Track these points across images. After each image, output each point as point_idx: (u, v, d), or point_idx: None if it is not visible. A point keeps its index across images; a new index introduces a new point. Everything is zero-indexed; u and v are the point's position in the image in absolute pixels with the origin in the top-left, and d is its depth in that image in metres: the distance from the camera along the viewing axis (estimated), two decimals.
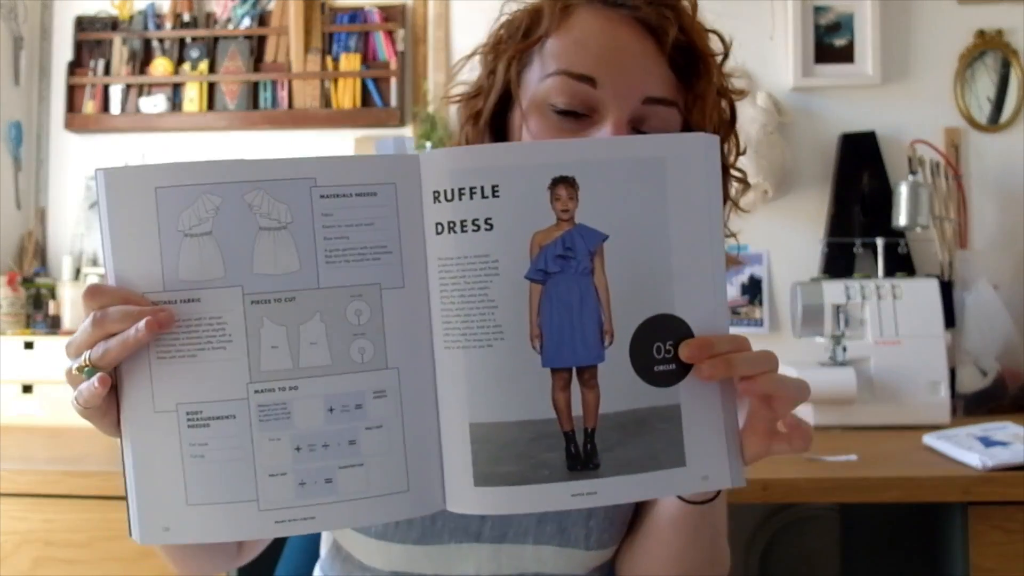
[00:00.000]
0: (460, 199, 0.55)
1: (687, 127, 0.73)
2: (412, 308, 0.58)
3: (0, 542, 1.36)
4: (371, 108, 2.10)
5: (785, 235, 2.01)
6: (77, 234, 2.18)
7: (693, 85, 0.71)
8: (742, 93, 0.81)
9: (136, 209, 0.54)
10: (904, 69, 2.01)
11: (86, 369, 0.54)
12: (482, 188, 0.55)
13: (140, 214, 0.54)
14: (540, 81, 0.72)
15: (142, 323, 0.52)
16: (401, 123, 2.11)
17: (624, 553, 0.82)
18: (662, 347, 0.57)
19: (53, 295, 2.07)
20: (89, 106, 2.16)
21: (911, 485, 1.24)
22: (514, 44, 0.74)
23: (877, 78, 1.98)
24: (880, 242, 1.86)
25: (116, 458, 0.58)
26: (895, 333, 1.64)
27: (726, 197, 0.79)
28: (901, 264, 1.88)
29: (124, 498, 0.58)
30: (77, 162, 2.20)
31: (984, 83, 2.00)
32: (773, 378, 0.57)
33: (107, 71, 2.17)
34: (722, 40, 0.76)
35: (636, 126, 0.70)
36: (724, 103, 0.78)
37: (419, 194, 0.57)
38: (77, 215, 2.18)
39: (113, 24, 2.19)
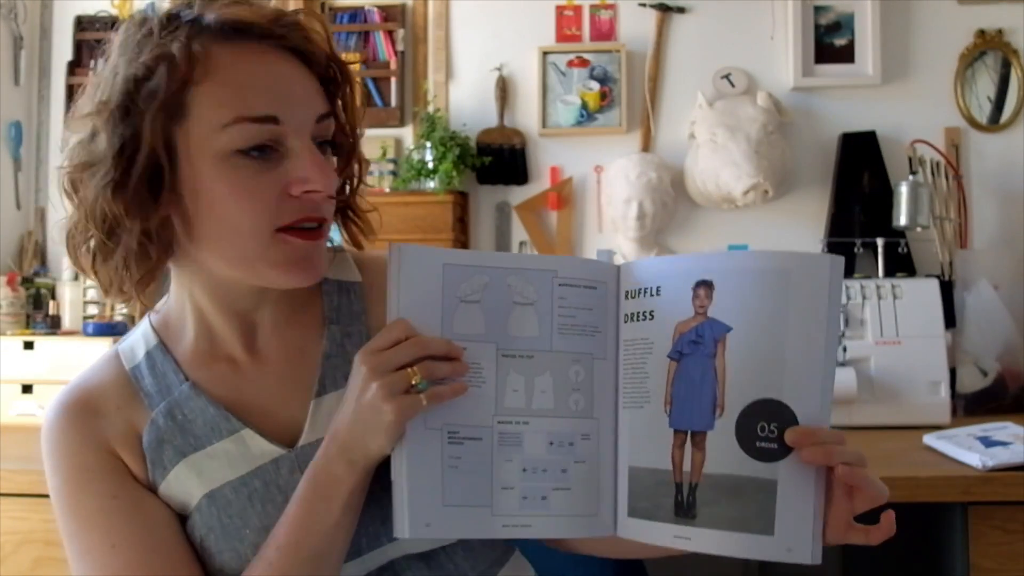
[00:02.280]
0: (639, 297, 0.73)
1: (340, 128, 0.77)
2: (608, 375, 0.75)
3: (0, 542, 1.36)
4: (371, 108, 2.10)
5: (785, 235, 2.01)
6: None
7: (337, 90, 0.77)
8: (351, 62, 0.85)
9: (427, 278, 0.71)
10: (904, 69, 2.01)
11: (422, 383, 0.67)
12: (651, 289, 0.72)
13: (430, 282, 0.71)
14: (214, 133, 0.68)
15: (461, 383, 0.70)
16: (401, 123, 2.11)
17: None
18: (766, 427, 0.67)
19: (53, 295, 2.07)
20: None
21: (911, 485, 1.23)
22: (156, 102, 0.67)
23: (877, 78, 1.98)
24: (880, 242, 1.86)
25: None
26: (895, 333, 1.64)
27: (361, 178, 0.83)
28: (901, 264, 1.88)
29: None
30: None
31: (984, 83, 2.00)
32: (862, 473, 0.66)
33: None
34: (319, 18, 0.78)
35: (316, 143, 0.73)
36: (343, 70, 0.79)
37: (617, 292, 0.75)
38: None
39: (113, 24, 2.17)
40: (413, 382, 0.67)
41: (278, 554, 0.71)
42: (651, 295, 0.72)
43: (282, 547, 0.71)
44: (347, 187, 0.82)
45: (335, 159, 0.78)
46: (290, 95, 0.71)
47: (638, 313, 0.73)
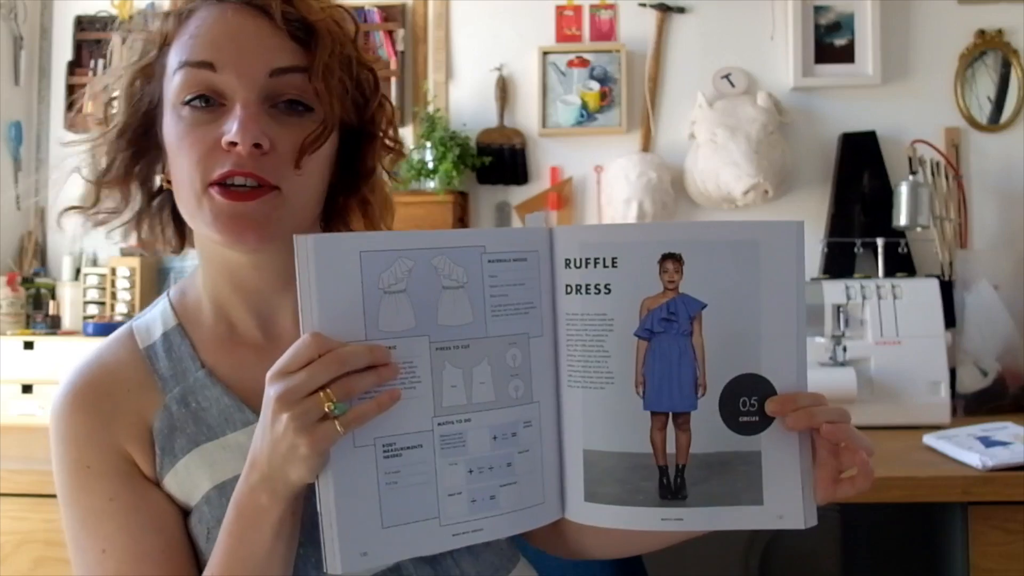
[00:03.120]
0: (586, 267, 0.67)
1: (331, 92, 0.74)
2: (547, 353, 0.70)
3: (0, 542, 1.36)
4: None
5: None
6: (77, 234, 2.18)
7: (315, 55, 0.73)
8: (377, 61, 0.84)
9: (343, 270, 0.62)
10: (904, 69, 2.01)
11: (336, 407, 0.60)
12: (604, 259, 0.67)
13: (346, 274, 0.62)
14: (169, 83, 0.72)
15: (388, 393, 0.62)
16: (401, 123, 2.11)
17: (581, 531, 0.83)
18: (747, 401, 0.66)
19: (53, 295, 2.07)
20: (89, 106, 2.16)
21: (911, 485, 1.24)
22: (139, 64, 0.75)
23: (877, 78, 1.98)
24: (880, 242, 1.86)
25: None
26: (895, 333, 1.64)
27: (376, 167, 0.83)
28: (901, 264, 1.88)
29: None
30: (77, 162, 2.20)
31: (984, 83, 2.00)
32: (846, 429, 0.65)
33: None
34: (352, 17, 0.79)
35: (273, 102, 0.72)
36: (366, 73, 0.79)
37: (551, 260, 0.69)
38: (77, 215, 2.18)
39: (113, 23, 2.19)
40: (327, 409, 0.60)
41: None
42: (605, 266, 0.67)
43: None
44: (359, 173, 0.81)
45: (313, 120, 0.73)
46: (236, 46, 0.71)
47: (587, 286, 0.67)
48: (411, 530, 0.65)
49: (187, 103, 0.71)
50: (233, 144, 0.68)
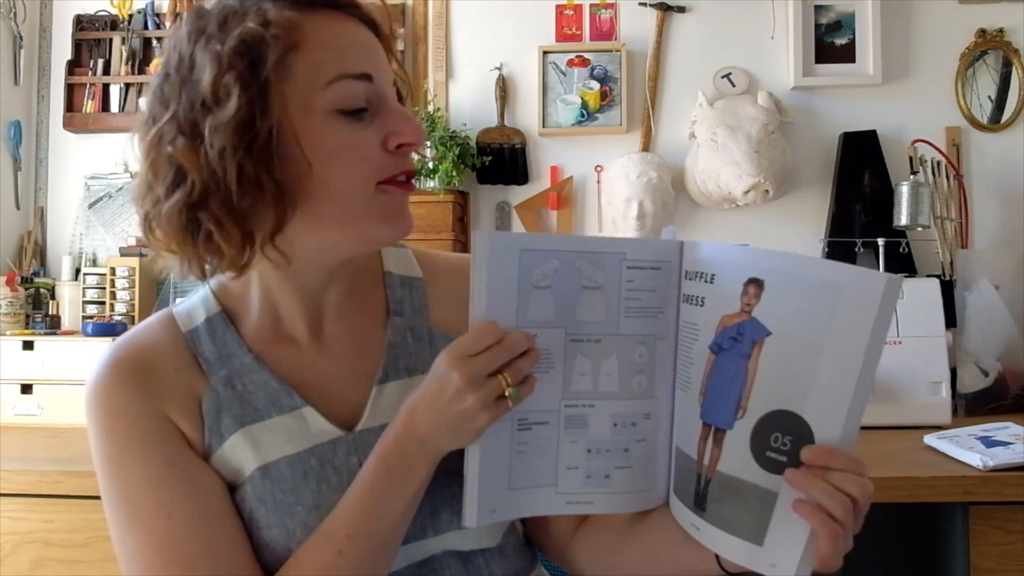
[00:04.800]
0: (695, 280, 0.72)
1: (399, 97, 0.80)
2: (668, 354, 0.75)
3: (0, 542, 1.35)
4: None
5: (786, 234, 2.01)
6: (76, 234, 2.18)
7: (394, 57, 0.79)
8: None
9: (506, 263, 0.69)
10: (905, 68, 2.01)
11: (514, 391, 0.67)
12: (706, 275, 0.71)
13: (508, 267, 0.69)
14: (316, 93, 0.70)
15: (531, 376, 0.69)
16: None
17: (601, 549, 0.85)
18: (780, 438, 0.65)
19: (52, 295, 2.07)
20: (88, 106, 2.16)
21: (912, 485, 1.23)
22: (264, 70, 0.69)
23: (878, 77, 1.98)
24: (881, 242, 1.86)
25: None
26: (896, 333, 1.64)
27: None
28: (902, 264, 1.88)
29: None
30: (76, 162, 2.20)
31: (985, 82, 2.00)
32: (855, 515, 0.62)
33: (106, 70, 2.17)
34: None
35: None
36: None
37: (679, 270, 0.74)
38: (76, 215, 2.18)
39: (112, 23, 2.19)
40: (507, 394, 0.67)
41: (348, 542, 0.70)
42: (706, 281, 0.71)
43: (353, 535, 0.71)
44: None
45: None
46: (376, 58, 0.75)
47: (693, 296, 0.73)
48: (532, 494, 0.73)
49: (343, 113, 0.72)
50: (404, 145, 0.74)
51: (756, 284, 0.67)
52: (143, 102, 0.76)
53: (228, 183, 0.68)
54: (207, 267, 0.74)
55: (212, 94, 0.68)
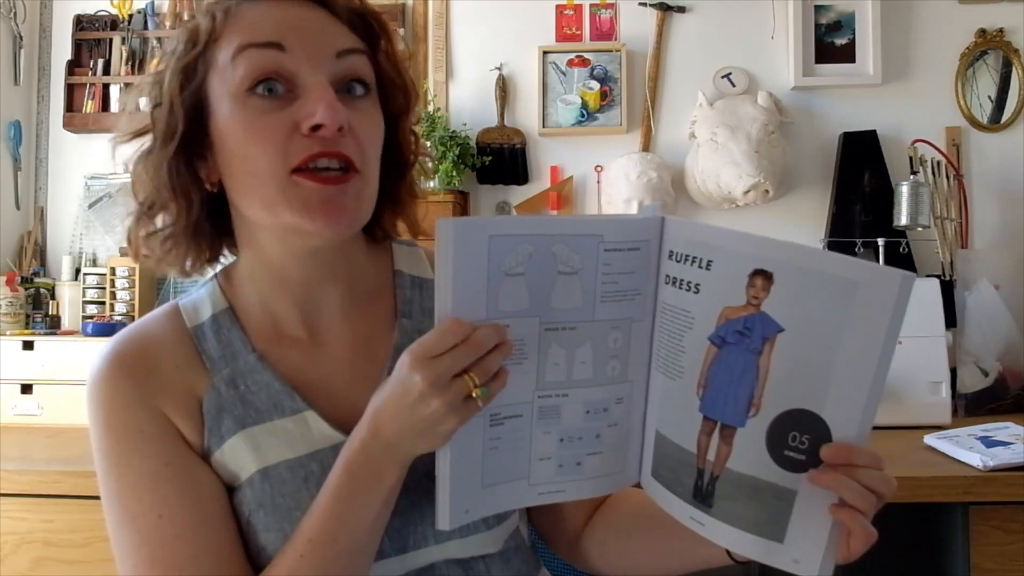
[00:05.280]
0: (685, 263, 0.68)
1: (381, 79, 0.76)
2: (644, 335, 0.72)
3: (0, 542, 1.35)
4: None
5: (786, 234, 2.00)
6: (76, 234, 2.18)
7: (377, 43, 0.75)
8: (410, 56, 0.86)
9: (474, 252, 0.64)
10: (905, 68, 2.01)
11: (483, 391, 0.63)
12: (701, 260, 0.66)
13: (476, 256, 0.64)
14: (227, 70, 0.70)
15: (503, 370, 0.65)
16: None
17: (613, 544, 0.85)
18: (798, 437, 0.64)
19: (52, 295, 2.07)
20: (88, 106, 2.16)
21: (912, 485, 1.23)
22: (180, 62, 0.71)
23: (878, 77, 1.98)
24: (881, 242, 1.86)
25: None
26: None
27: (411, 167, 0.82)
28: (902, 264, 1.88)
29: None
30: (76, 162, 2.20)
31: (985, 82, 2.00)
32: (857, 518, 0.62)
33: (106, 70, 2.17)
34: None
35: (337, 86, 0.71)
36: (404, 63, 0.80)
37: (660, 248, 0.70)
38: (76, 215, 2.18)
39: (112, 23, 2.18)
40: (475, 395, 0.63)
41: (310, 547, 0.68)
42: (700, 267, 0.67)
43: (315, 540, 0.68)
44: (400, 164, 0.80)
45: (374, 104, 0.75)
46: (299, 27, 0.70)
47: (682, 280, 0.68)
48: (504, 488, 0.70)
49: (253, 90, 0.69)
50: (316, 128, 0.68)
51: (764, 276, 0.63)
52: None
53: (161, 188, 0.73)
54: (186, 266, 0.77)
55: (156, 98, 0.73)
